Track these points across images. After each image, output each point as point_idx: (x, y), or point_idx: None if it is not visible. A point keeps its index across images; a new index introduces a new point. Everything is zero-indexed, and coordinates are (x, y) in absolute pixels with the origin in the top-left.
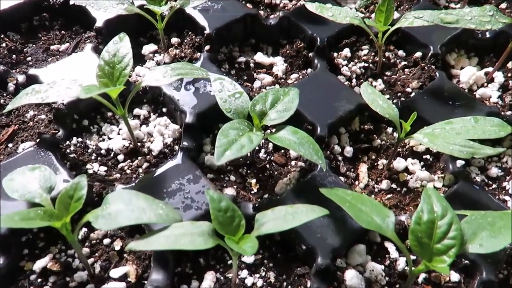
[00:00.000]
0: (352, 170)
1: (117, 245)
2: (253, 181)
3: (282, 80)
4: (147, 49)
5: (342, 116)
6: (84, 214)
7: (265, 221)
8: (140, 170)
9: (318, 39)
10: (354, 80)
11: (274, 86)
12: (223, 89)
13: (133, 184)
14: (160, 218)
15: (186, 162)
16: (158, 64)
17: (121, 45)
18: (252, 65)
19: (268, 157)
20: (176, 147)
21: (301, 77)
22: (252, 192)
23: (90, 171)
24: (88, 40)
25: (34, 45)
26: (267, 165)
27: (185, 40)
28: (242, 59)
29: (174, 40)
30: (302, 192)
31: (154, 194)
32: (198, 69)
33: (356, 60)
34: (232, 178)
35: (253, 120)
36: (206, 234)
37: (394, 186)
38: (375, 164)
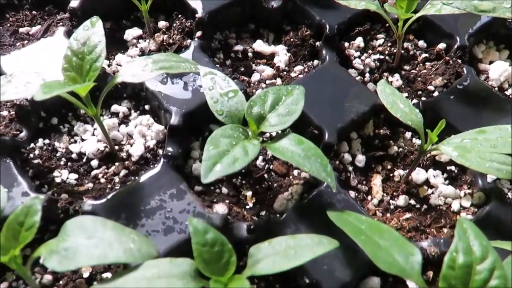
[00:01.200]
0: (364, 182)
1: (86, 271)
2: (249, 193)
3: (285, 72)
4: (130, 33)
5: (353, 119)
6: (43, 238)
7: (261, 257)
8: (117, 179)
9: (327, 26)
10: (367, 75)
11: (274, 80)
12: (215, 86)
13: (106, 199)
14: (130, 255)
15: (169, 172)
16: (142, 52)
17: (92, 31)
18: (250, 54)
19: (267, 165)
20: (160, 151)
21: (306, 69)
22: (247, 207)
23: (58, 180)
24: (61, 23)
25: (0, 27)
26: (265, 175)
27: (174, 24)
28: (239, 47)
29: (162, 24)
30: (306, 212)
31: (129, 213)
32: (186, 62)
33: (370, 51)
34: (224, 190)
35: (250, 126)
36: (187, 276)
37: (412, 202)
38: (391, 175)
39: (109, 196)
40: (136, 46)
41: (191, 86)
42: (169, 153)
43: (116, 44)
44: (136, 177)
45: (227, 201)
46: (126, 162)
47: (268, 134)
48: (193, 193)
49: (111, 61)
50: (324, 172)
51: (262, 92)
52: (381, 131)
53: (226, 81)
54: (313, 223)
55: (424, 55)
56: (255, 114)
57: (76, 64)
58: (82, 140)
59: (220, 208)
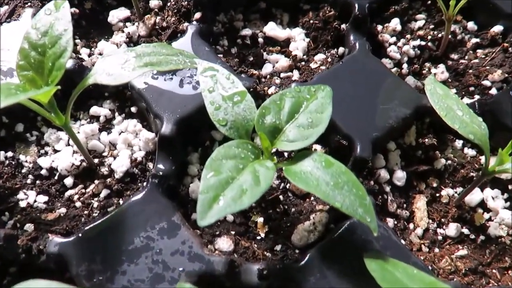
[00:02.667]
0: (405, 205)
1: None
2: (260, 220)
3: (303, 63)
4: (116, 15)
5: (392, 126)
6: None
7: None
8: (96, 202)
9: (356, 4)
10: (405, 66)
11: (290, 73)
12: (216, 87)
13: (77, 236)
14: None
15: (159, 199)
16: (129, 38)
17: (56, 17)
18: (261, 40)
19: (282, 184)
20: (150, 165)
21: (329, 59)
22: (258, 238)
23: (23, 203)
24: (29, 4)
25: None
26: (281, 196)
27: (168, 4)
28: (247, 32)
29: (154, 3)
30: (334, 251)
31: (107, 256)
32: (180, 54)
33: (408, 36)
34: (230, 217)
35: (261, 141)
36: None
37: (465, 231)
38: (437, 195)
39: (80, 233)
40: (123, 31)
41: (187, 83)
42: (160, 172)
43: (98, 28)
44: (121, 200)
45: (233, 232)
46: (108, 180)
47: (285, 154)
48: (188, 227)
49: (92, 49)
50: (362, 207)
51: (277, 95)
52: (426, 140)
53: (230, 80)
54: (344, 269)
55: (474, 40)
56: (268, 125)
57: (35, 61)
58: (55, 151)
59: (225, 244)
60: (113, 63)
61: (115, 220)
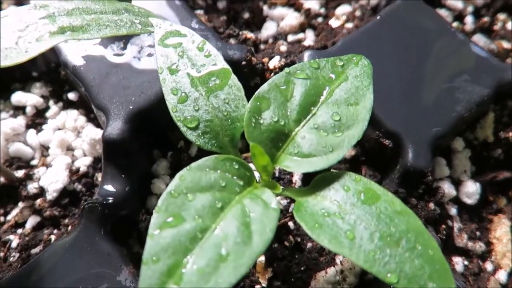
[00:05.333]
0: (479, 234)
1: None
2: (260, 259)
3: (320, 19)
4: None
5: (460, 116)
6: None
7: None
8: (16, 240)
9: None
10: (469, 19)
11: (302, 35)
12: (181, 63)
13: None
14: None
15: (100, 245)
16: None
17: None
18: None
19: (293, 204)
20: (100, 177)
21: (358, 13)
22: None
23: None
24: None
25: None
26: (291, 224)
27: None
28: None
29: None
30: None
31: None
32: (125, 11)
33: None
34: None
35: (255, 157)
36: None
37: None
38: None
39: None
40: None
41: (147, 56)
42: (104, 200)
43: None
44: (55, 231)
45: None
46: (38, 202)
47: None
48: None
49: None
50: (434, 280)
51: (282, 76)
52: (510, 133)
53: (205, 52)
54: None
55: None
56: (267, 128)
57: None
58: None
59: None
60: (6, 30)
61: (25, 280)
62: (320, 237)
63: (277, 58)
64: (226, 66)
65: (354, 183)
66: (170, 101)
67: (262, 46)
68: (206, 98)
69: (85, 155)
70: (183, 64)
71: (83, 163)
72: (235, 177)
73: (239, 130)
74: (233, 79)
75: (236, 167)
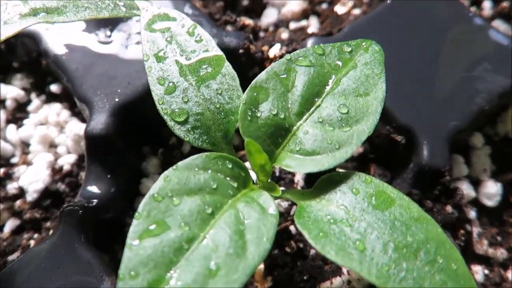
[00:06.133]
0: (500, 240)
1: None
2: (260, 267)
3: (324, 5)
4: None
5: (481, 108)
6: None
7: None
8: None
9: None
10: (487, 4)
11: (306, 22)
12: (169, 49)
13: None
14: None
15: (80, 252)
16: None
17: None
18: None
19: (295, 206)
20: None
21: None
22: None
23: None
24: None
25: None
26: (292, 228)
27: None
28: None
29: None
30: None
31: None
32: None
33: None
34: None
35: (251, 155)
36: None
37: None
38: None
39: None
40: None
41: (134, 44)
42: (87, 203)
43: None
44: (36, 235)
45: None
46: (17, 204)
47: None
48: None
49: None
50: None
51: (282, 63)
52: None
53: (195, 37)
54: None
55: None
56: (265, 122)
57: None
58: None
59: None
60: None
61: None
62: (325, 248)
63: (278, 46)
64: (220, 52)
65: (364, 185)
66: (156, 92)
67: (262, 34)
68: (196, 89)
69: (69, 152)
70: (172, 50)
71: (66, 161)
72: (228, 178)
73: (234, 124)
74: (227, 67)
75: (230, 166)
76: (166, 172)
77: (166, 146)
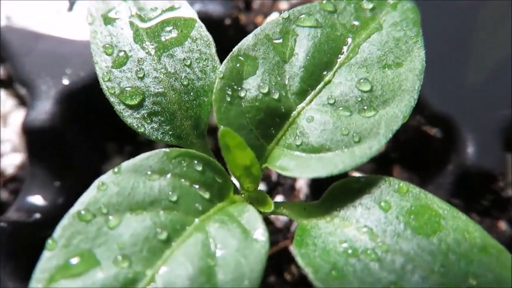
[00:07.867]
0: None
1: None
2: None
3: None
4: None
5: None
6: None
7: None
8: None
9: None
10: None
11: None
12: (122, 8)
13: None
14: None
15: (5, 282)
16: None
17: None
18: None
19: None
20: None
21: None
22: None
23: None
24: None
25: None
26: (292, 248)
27: None
28: None
29: None
30: None
31: None
32: None
33: None
34: None
35: (227, 152)
36: None
37: None
38: None
39: None
40: None
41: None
42: (23, 218)
43: None
44: None
45: None
46: None
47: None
48: None
49: None
50: None
51: (277, 23)
52: None
53: None
54: None
55: None
56: (251, 104)
57: None
58: None
59: None
60: None
61: None
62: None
63: (275, 16)
64: (190, 10)
65: (397, 196)
66: (101, 64)
67: (256, 4)
68: (156, 59)
69: (14, 151)
70: (126, 9)
71: (11, 162)
72: (196, 186)
73: (207, 108)
74: (199, 29)
75: (199, 169)
76: (102, 178)
77: (135, 142)
